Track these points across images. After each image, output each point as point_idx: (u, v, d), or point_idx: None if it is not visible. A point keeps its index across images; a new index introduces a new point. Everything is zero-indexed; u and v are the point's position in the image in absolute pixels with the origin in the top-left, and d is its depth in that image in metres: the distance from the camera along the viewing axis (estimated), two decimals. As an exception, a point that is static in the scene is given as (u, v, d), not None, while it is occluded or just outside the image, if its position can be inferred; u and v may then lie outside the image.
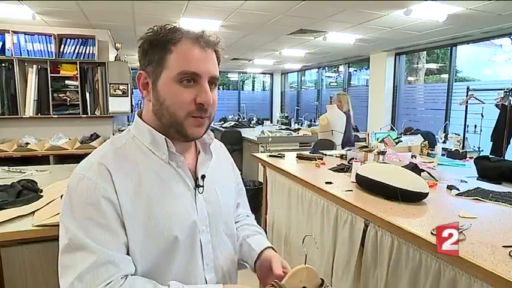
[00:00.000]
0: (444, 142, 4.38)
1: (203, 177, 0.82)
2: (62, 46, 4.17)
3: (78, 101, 4.26)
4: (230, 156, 1.03)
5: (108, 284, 0.65)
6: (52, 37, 4.08)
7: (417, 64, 7.31)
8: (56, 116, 4.21)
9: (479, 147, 4.25)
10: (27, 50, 4.03)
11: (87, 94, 4.32)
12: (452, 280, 1.15)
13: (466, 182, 2.06)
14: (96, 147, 3.25)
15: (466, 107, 4.34)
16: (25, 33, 4.01)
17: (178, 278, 0.74)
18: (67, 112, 4.28)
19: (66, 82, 4.24)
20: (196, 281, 0.78)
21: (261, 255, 0.90)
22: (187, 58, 0.74)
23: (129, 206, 0.70)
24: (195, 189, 0.80)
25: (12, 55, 3.94)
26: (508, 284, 0.96)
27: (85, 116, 4.33)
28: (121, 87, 4.42)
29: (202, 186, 0.82)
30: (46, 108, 4.18)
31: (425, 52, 6.82)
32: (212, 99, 0.76)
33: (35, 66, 4.11)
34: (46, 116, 4.20)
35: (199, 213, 0.80)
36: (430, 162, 2.57)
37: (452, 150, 3.48)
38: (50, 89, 4.12)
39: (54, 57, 4.11)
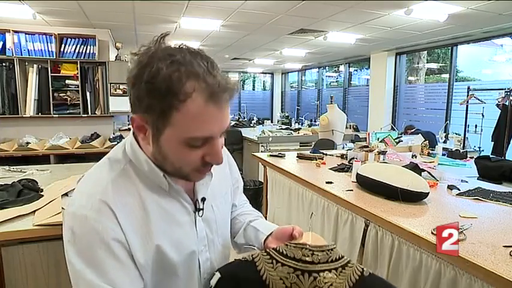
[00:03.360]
0: (445, 142, 4.38)
1: (203, 199, 0.79)
2: (63, 46, 4.18)
3: (79, 100, 4.26)
4: (228, 154, 0.98)
5: None
6: (52, 37, 4.08)
7: (418, 64, 7.30)
8: (57, 115, 4.22)
9: (479, 147, 4.25)
10: (28, 50, 4.03)
11: (88, 94, 4.33)
12: (453, 280, 1.15)
13: (467, 182, 2.06)
14: (96, 147, 3.24)
15: (467, 106, 4.34)
16: (26, 33, 4.01)
17: None
18: (67, 112, 4.29)
19: (67, 82, 4.25)
20: None
21: (271, 234, 0.89)
22: (200, 121, 0.61)
23: (137, 246, 0.67)
24: (195, 213, 0.77)
25: (12, 55, 3.95)
26: (509, 284, 0.96)
27: (85, 115, 4.33)
28: (121, 86, 4.42)
29: (202, 209, 0.78)
30: (47, 107, 4.19)
31: (425, 52, 6.81)
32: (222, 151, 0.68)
33: (35, 65, 4.12)
34: (46, 116, 4.20)
35: (199, 235, 0.78)
36: (430, 162, 2.57)
37: (453, 150, 3.48)
38: (50, 88, 4.13)
39: (54, 57, 4.11)
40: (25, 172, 2.23)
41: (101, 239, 0.62)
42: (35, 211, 1.45)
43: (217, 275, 0.74)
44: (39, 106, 4.20)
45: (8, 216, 1.36)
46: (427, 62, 7.40)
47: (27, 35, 4.02)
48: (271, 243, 0.86)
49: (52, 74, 4.12)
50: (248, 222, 0.96)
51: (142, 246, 0.67)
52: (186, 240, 0.75)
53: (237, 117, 8.37)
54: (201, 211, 0.78)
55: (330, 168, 2.38)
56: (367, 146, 3.02)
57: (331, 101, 4.28)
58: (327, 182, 1.99)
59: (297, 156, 2.78)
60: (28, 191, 1.67)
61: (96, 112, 4.40)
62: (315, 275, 0.71)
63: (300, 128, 6.40)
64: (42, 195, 1.66)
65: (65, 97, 4.25)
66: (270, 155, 2.88)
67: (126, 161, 0.71)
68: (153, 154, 0.67)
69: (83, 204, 0.64)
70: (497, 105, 4.03)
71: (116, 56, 4.79)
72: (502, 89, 3.96)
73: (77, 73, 4.22)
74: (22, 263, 1.31)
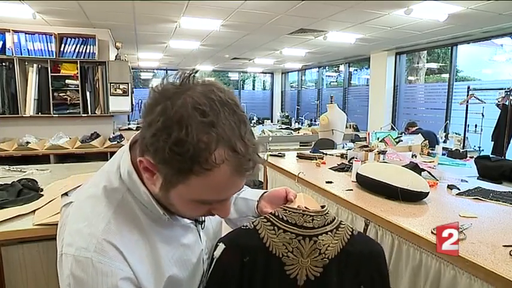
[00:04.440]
0: (444, 142, 4.37)
1: None
2: (63, 45, 4.18)
3: (79, 100, 4.26)
4: None
5: None
6: (52, 36, 4.08)
7: (418, 64, 7.31)
8: (57, 115, 4.22)
9: (479, 147, 4.25)
10: (28, 49, 4.03)
11: (88, 93, 4.33)
12: (453, 279, 1.15)
13: (467, 181, 2.06)
14: (96, 147, 3.20)
15: (467, 106, 4.34)
16: (25, 33, 4.01)
17: None
18: (67, 111, 4.29)
19: (67, 81, 4.25)
20: None
21: (263, 197, 0.90)
22: (219, 189, 0.58)
23: (147, 279, 0.63)
24: (196, 227, 0.76)
25: (12, 54, 3.95)
26: (509, 283, 0.96)
27: (85, 115, 4.34)
28: (121, 86, 4.43)
29: (204, 221, 0.77)
30: (46, 107, 4.19)
31: (425, 52, 6.81)
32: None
33: (35, 65, 4.12)
34: (46, 116, 4.21)
35: (203, 246, 0.77)
36: (430, 162, 2.57)
37: (453, 149, 3.48)
38: (50, 88, 4.13)
39: (54, 57, 4.11)
40: (25, 172, 2.22)
41: (109, 281, 0.58)
42: (34, 211, 1.44)
43: (222, 246, 0.74)
44: (39, 106, 4.20)
45: (8, 215, 1.35)
46: (427, 62, 7.40)
47: (27, 35, 4.02)
48: (265, 207, 0.87)
49: (52, 74, 4.12)
50: (236, 196, 0.95)
51: (152, 278, 0.64)
52: (193, 258, 0.74)
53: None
54: (203, 223, 0.77)
55: (330, 168, 2.38)
56: (367, 146, 3.02)
57: (331, 101, 4.27)
58: (327, 182, 1.99)
59: (297, 156, 2.78)
60: (28, 191, 1.67)
61: (96, 112, 4.40)
62: (315, 238, 0.75)
63: (300, 128, 6.40)
64: (42, 195, 1.65)
65: (65, 97, 4.25)
66: (270, 155, 2.88)
67: (124, 190, 0.65)
68: (157, 197, 0.63)
69: (85, 246, 0.58)
70: (497, 105, 4.03)
71: (116, 56, 4.79)
72: (502, 89, 3.96)
73: (77, 73, 4.23)
74: (22, 262, 1.30)
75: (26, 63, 4.14)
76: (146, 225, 0.65)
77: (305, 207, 0.79)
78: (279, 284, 0.75)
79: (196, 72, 0.58)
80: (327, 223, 0.77)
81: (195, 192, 0.58)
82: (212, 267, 0.74)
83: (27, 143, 4.00)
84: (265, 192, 0.92)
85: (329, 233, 0.76)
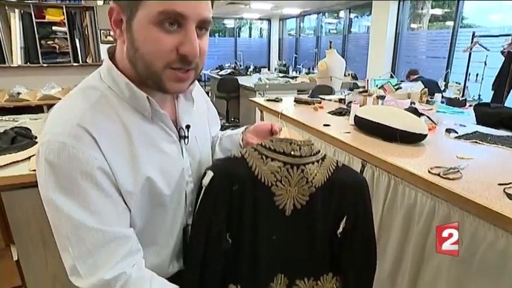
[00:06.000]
0: (444, 91, 4.31)
1: (188, 127, 0.76)
2: (44, -13, 3.89)
3: (68, 48, 4.08)
4: (204, 93, 0.96)
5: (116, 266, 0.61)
6: (32, -23, 3.79)
7: (422, 9, 6.96)
8: (46, 64, 4.07)
9: (479, 95, 4.20)
10: (6, -9, 3.76)
11: (77, 41, 4.14)
12: (446, 217, 1.18)
13: (465, 126, 2.05)
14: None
15: (470, 54, 4.20)
16: (2, -28, 3.72)
17: (164, 228, 0.74)
18: (57, 60, 4.13)
19: (54, 28, 4.03)
20: (179, 227, 0.78)
21: (248, 130, 0.92)
22: None
23: (124, 173, 0.63)
24: (180, 142, 0.75)
25: (-10, -3, 3.69)
26: (501, 217, 0.98)
27: (76, 64, 4.18)
28: (112, 33, 4.22)
29: (188, 137, 0.76)
30: (35, 56, 4.01)
31: (431, -5, 6.46)
32: (200, 49, 0.62)
33: (17, 10, 3.86)
34: (36, 65, 4.05)
35: (185, 165, 0.77)
36: (429, 110, 2.54)
37: (452, 98, 3.43)
38: (36, 35, 3.92)
39: (37, 0, 3.84)
40: (17, 121, 2.19)
41: (82, 168, 0.58)
42: (30, 157, 1.43)
43: (210, 174, 0.73)
44: (26, 55, 4.02)
45: (3, 162, 1.35)
46: (431, 8, 7.04)
47: (3, -26, 3.72)
48: (252, 139, 0.88)
49: (37, 20, 3.89)
50: (221, 136, 0.98)
51: (129, 174, 0.64)
52: (174, 171, 0.73)
53: (233, 66, 8.18)
54: (186, 139, 0.76)
55: (328, 112, 2.36)
56: (366, 91, 2.97)
57: (330, 46, 4.11)
58: (325, 125, 1.97)
59: (295, 101, 2.74)
60: (22, 138, 1.65)
61: (87, 60, 4.24)
62: (302, 167, 0.76)
63: (298, 76, 6.28)
64: (37, 142, 1.64)
65: (53, 45, 4.07)
66: (267, 100, 2.83)
67: (105, 88, 0.66)
68: (128, 52, 0.63)
69: (59, 131, 0.58)
70: (502, 52, 3.89)
71: (104, 0, 4.50)
72: (509, 35, 3.80)
73: (64, 19, 3.99)
74: (23, 206, 1.32)
75: (7, 8, 3.87)
76: (126, 120, 0.65)
77: None
78: (268, 214, 0.76)
79: None
80: (313, 153, 0.79)
81: (152, 8, 0.58)
82: (202, 194, 0.73)
83: (18, 93, 3.90)
84: (249, 126, 0.93)
85: (315, 163, 0.78)
